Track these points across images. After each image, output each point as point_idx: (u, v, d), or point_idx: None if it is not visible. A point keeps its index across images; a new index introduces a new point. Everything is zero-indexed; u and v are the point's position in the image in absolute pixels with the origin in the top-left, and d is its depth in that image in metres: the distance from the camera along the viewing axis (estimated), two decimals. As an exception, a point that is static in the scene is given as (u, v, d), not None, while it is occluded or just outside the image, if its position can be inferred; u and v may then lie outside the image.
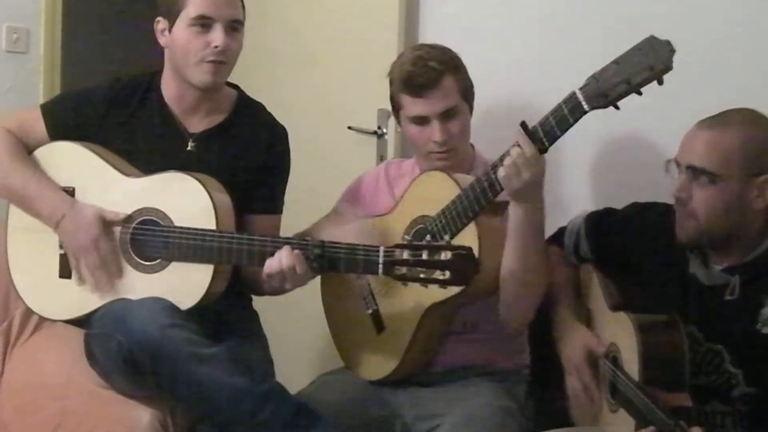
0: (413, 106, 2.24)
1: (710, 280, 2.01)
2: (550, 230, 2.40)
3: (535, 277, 2.09)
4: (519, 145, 1.94)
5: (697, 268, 2.03)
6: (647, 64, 1.80)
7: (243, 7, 2.25)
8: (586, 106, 1.87)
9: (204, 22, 2.17)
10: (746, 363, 1.94)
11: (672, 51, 1.77)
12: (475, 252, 1.96)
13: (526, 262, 2.06)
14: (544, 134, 1.93)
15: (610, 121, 2.57)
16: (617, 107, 1.87)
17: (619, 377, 1.95)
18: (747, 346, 1.94)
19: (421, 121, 2.24)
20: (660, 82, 1.81)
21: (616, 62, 1.84)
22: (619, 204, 2.28)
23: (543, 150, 1.94)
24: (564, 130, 1.91)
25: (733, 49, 2.43)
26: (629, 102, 2.48)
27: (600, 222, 2.25)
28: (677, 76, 2.45)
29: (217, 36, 2.18)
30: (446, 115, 2.22)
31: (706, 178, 1.92)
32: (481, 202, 2.04)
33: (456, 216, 2.08)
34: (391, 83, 2.30)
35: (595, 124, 2.56)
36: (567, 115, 1.89)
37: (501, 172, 1.97)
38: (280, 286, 2.07)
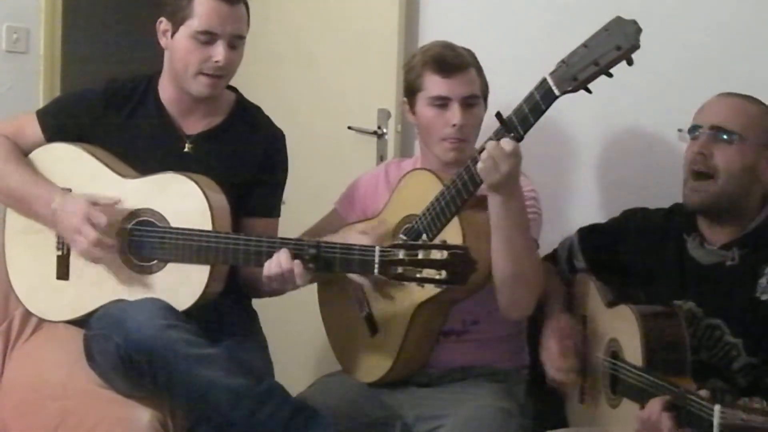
0: (438, 85, 2.25)
1: (708, 259, 2.08)
2: (551, 236, 2.41)
3: (525, 267, 2.08)
4: (494, 138, 1.95)
5: (695, 249, 2.10)
6: (614, 44, 1.80)
7: (248, 20, 2.24)
8: (556, 91, 1.87)
9: (208, 38, 2.17)
10: (746, 332, 2.00)
11: (638, 30, 1.78)
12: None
13: (513, 254, 2.04)
14: (519, 122, 1.93)
15: (614, 123, 2.61)
16: (589, 90, 1.87)
17: (620, 367, 1.99)
18: (747, 314, 2.01)
19: (442, 103, 2.24)
20: (629, 62, 1.81)
21: (584, 45, 1.85)
22: (622, 205, 2.33)
23: (519, 138, 1.94)
24: (537, 117, 1.91)
25: (735, 48, 2.43)
26: (633, 106, 2.52)
27: (592, 232, 2.32)
28: (681, 75, 2.48)
29: (219, 51, 2.17)
30: (467, 102, 2.25)
31: (729, 136, 2.02)
32: (463, 196, 2.04)
33: (440, 211, 2.09)
34: (412, 69, 2.31)
35: (600, 126, 2.61)
36: (539, 101, 1.89)
37: (479, 165, 1.97)
38: (279, 288, 2.08)
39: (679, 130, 2.13)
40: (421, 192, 2.16)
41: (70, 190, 2.22)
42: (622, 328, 2.02)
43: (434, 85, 2.25)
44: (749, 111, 2.05)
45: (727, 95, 2.09)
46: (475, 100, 2.26)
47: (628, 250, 2.22)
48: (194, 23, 2.16)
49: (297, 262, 2.01)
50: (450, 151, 2.25)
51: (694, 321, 2.03)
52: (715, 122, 2.04)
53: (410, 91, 2.32)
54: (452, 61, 2.25)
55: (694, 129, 2.08)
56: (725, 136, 2.03)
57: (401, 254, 1.92)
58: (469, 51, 2.30)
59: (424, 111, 2.28)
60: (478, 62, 2.30)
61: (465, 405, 2.17)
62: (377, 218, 2.33)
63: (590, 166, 2.66)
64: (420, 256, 1.90)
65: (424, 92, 2.27)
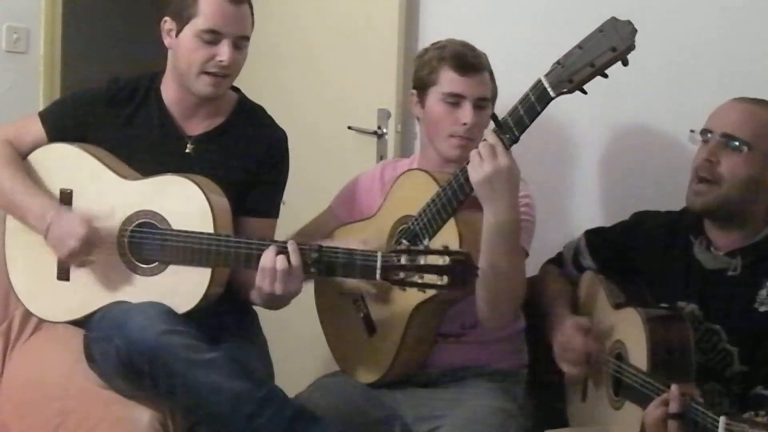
0: (454, 82, 2.25)
1: (713, 263, 2.08)
2: (552, 235, 2.41)
3: (504, 282, 2.07)
4: (485, 138, 1.96)
5: (701, 253, 2.10)
6: (609, 45, 1.79)
7: (252, 21, 2.24)
8: (552, 93, 1.87)
9: (213, 37, 2.17)
10: (742, 341, 2.01)
11: (634, 30, 1.77)
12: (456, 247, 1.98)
13: (494, 266, 2.03)
14: (514, 124, 1.93)
15: (615, 122, 2.61)
16: (584, 92, 1.87)
17: (624, 369, 1.99)
18: (744, 324, 2.01)
19: (455, 100, 2.24)
20: (625, 63, 1.81)
21: (579, 46, 1.84)
22: (624, 210, 2.33)
23: (514, 140, 1.94)
24: (532, 119, 1.91)
25: (736, 47, 2.43)
26: (635, 105, 2.52)
27: (599, 234, 2.32)
28: (683, 74, 2.48)
29: (224, 51, 2.17)
30: (479, 104, 2.25)
31: (738, 145, 2.01)
32: (459, 197, 2.04)
33: (436, 213, 2.09)
34: (426, 63, 2.29)
35: (601, 125, 2.61)
36: (534, 103, 1.89)
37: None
38: (270, 288, 2.04)
39: (692, 131, 2.11)
40: (416, 193, 2.16)
41: (71, 191, 2.22)
42: (628, 331, 2.02)
43: (450, 81, 2.25)
44: (762, 119, 2.03)
45: (741, 101, 2.07)
46: (486, 103, 2.27)
47: (636, 250, 2.21)
48: (199, 22, 2.17)
49: (281, 257, 2.00)
50: (456, 148, 2.25)
51: (695, 323, 2.03)
52: (726, 130, 2.03)
53: (422, 85, 2.31)
54: (471, 60, 2.26)
55: (705, 133, 2.07)
56: (734, 144, 2.02)
57: (403, 260, 1.91)
58: (484, 54, 2.31)
59: (435, 106, 2.28)
60: (491, 66, 2.31)
61: (464, 405, 2.16)
62: (372, 219, 2.33)
63: (592, 164, 2.66)
64: (422, 262, 1.90)
65: (437, 87, 2.27)
